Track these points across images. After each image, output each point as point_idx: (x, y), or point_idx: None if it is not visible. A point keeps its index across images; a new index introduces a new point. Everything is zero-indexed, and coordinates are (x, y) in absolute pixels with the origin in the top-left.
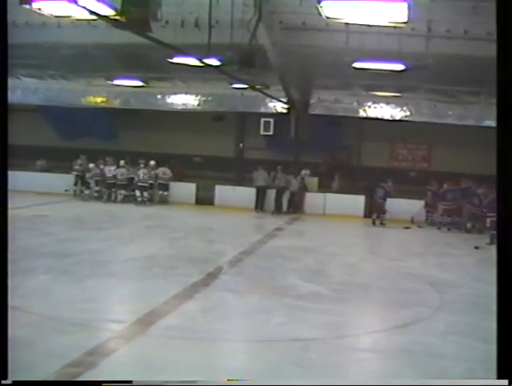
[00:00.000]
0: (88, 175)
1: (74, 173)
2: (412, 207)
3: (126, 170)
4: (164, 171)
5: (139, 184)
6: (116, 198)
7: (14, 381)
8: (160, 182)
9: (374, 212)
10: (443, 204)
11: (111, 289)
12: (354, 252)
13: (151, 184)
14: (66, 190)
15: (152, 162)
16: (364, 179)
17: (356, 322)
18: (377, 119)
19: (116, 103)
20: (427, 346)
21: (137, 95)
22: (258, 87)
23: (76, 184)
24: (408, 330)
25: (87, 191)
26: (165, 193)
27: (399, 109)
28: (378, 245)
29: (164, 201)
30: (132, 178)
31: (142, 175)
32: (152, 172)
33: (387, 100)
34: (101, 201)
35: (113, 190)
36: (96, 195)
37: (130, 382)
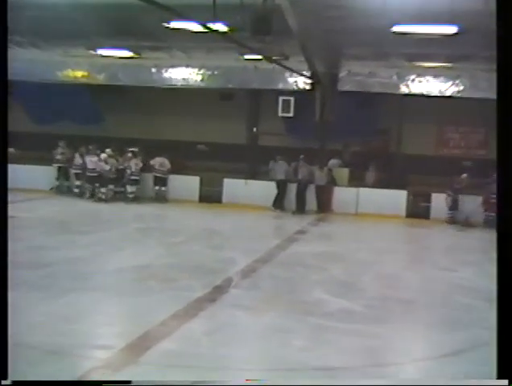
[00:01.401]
0: (106, 168)
1: (56, 165)
2: (467, 204)
3: (115, 160)
4: (162, 162)
5: (131, 178)
6: (101, 194)
7: (14, 381)
8: (157, 175)
9: (449, 210)
10: (491, 198)
11: (96, 307)
12: (394, 260)
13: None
14: (50, 189)
15: (133, 150)
16: (405, 171)
17: (396, 347)
18: (422, 96)
19: (100, 78)
20: (486, 377)
21: (126, 68)
22: (274, 58)
23: (58, 178)
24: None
25: (103, 190)
26: (163, 189)
27: (450, 83)
28: (423, 251)
29: (162, 198)
30: (122, 171)
31: (134, 167)
32: (140, 163)
33: (435, 73)
34: (84, 198)
35: (97, 185)
36: (77, 190)
37: (129, 382)
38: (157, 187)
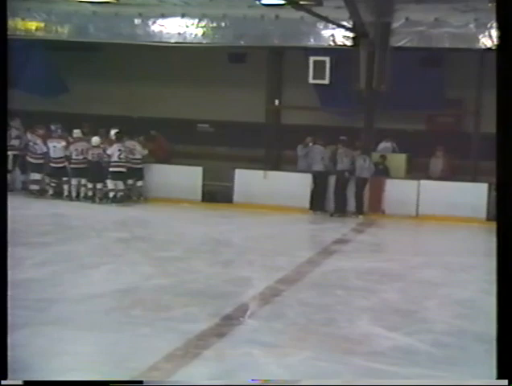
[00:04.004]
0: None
1: (9, 153)
2: None
3: (87, 144)
4: (131, 148)
5: (113, 169)
6: (70, 193)
7: (16, 381)
8: (127, 165)
9: None
10: None
11: (58, 348)
12: (471, 280)
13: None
14: None
15: (117, 131)
16: (486, 156)
17: None
18: None
19: (63, 32)
20: None
21: (99, 19)
22: (303, 3)
23: (12, 169)
24: None
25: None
26: (138, 184)
27: None
28: None
29: (138, 197)
30: (97, 162)
31: (117, 154)
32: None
33: None
34: (45, 197)
35: (65, 179)
36: (35, 187)
37: (140, 382)
38: (130, 181)
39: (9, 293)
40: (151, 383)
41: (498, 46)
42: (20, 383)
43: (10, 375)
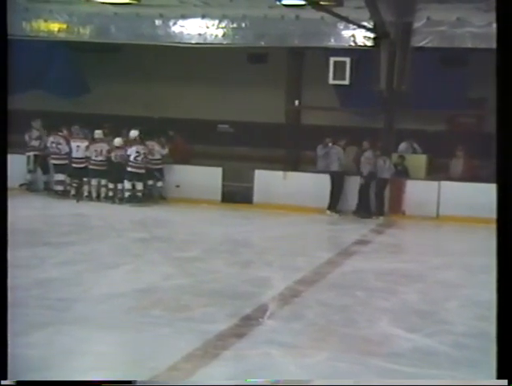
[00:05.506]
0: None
1: (29, 153)
2: None
3: (107, 145)
4: (151, 149)
5: (130, 169)
6: (90, 193)
7: (15, 381)
8: (147, 165)
9: None
10: None
11: (79, 348)
12: (490, 282)
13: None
14: (21, 186)
15: (134, 133)
16: None
17: None
18: None
19: (85, 33)
20: None
21: (121, 19)
22: (323, 3)
23: (32, 171)
24: None
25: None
26: (158, 184)
27: None
28: None
29: (158, 197)
30: (119, 163)
31: (134, 155)
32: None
33: None
34: (69, 197)
35: (86, 179)
36: (60, 188)
37: (130, 382)
38: (151, 182)
39: (31, 292)
40: (143, 383)
41: (498, 46)
42: (9, 383)
43: (31, 373)
